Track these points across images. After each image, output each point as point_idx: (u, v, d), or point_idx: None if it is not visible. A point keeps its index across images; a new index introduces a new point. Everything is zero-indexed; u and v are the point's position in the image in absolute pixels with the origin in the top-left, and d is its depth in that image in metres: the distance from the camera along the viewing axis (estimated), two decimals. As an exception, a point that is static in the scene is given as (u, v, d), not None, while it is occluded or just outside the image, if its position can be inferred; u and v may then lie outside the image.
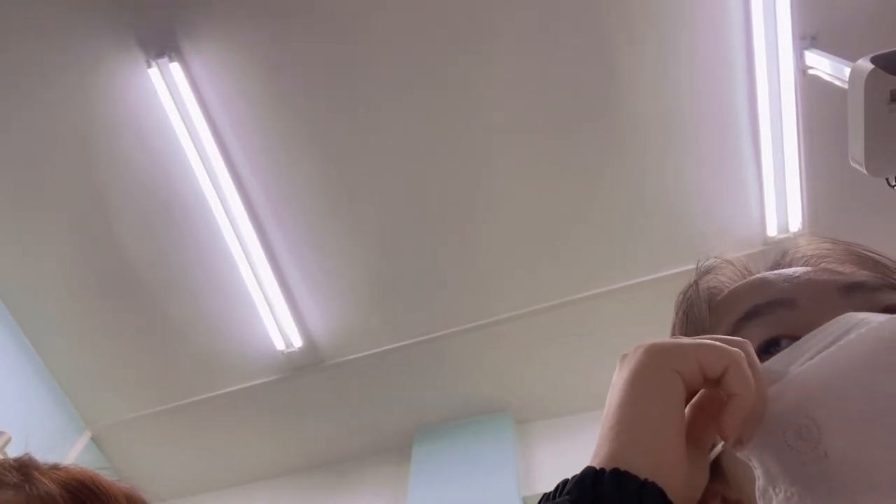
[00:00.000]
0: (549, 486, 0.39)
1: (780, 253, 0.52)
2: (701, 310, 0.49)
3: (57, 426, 2.21)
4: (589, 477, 0.36)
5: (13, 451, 1.89)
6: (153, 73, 1.72)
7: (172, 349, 2.15)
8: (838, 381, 0.35)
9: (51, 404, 2.20)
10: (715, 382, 0.37)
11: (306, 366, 2.16)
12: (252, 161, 1.85)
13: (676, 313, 0.52)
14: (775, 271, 0.48)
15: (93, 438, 2.34)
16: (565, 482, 0.37)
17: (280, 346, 2.10)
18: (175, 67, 1.72)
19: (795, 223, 1.85)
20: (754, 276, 0.49)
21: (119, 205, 1.92)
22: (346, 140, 1.83)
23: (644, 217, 1.90)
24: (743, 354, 0.37)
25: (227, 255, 1.95)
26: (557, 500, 0.36)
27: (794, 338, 0.39)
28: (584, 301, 1.98)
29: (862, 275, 0.45)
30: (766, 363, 0.39)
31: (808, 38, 1.61)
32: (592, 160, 1.85)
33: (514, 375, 2.17)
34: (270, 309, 2.02)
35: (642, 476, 0.35)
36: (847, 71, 1.17)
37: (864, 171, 1.14)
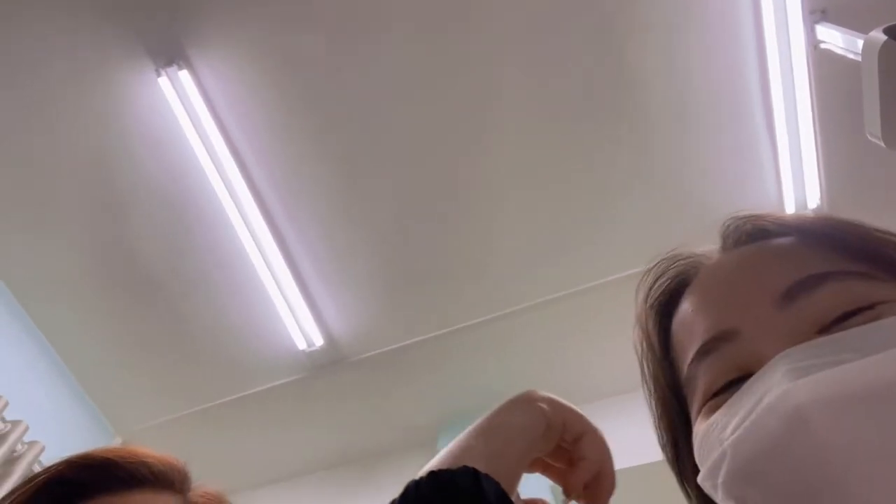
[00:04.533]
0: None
1: (732, 229, 0.49)
2: (652, 341, 0.50)
3: (88, 434, 2.26)
4: (412, 487, 0.41)
5: (47, 461, 1.93)
6: (163, 81, 1.74)
7: (195, 354, 2.19)
8: (752, 465, 0.36)
9: (80, 413, 2.25)
10: (569, 448, 0.47)
11: (329, 364, 2.18)
12: (264, 163, 1.86)
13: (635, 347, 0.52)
14: (714, 275, 0.46)
15: (123, 444, 2.38)
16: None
17: (302, 345, 2.13)
18: (184, 75, 1.74)
19: (814, 199, 1.83)
20: (700, 276, 0.47)
21: (136, 214, 1.94)
22: (356, 137, 1.84)
23: (659, 200, 1.88)
24: (598, 430, 0.48)
25: (245, 258, 1.97)
26: None
27: (747, 374, 0.39)
28: (605, 287, 1.97)
29: (808, 268, 0.41)
30: (710, 422, 0.40)
31: (818, 12, 1.59)
32: (606, 144, 1.84)
33: (536, 365, 2.18)
34: (290, 309, 2.04)
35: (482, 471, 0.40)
36: (860, 43, 1.15)
37: (882, 143, 1.12)
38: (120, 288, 2.07)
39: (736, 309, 0.42)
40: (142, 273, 2.03)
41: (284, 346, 2.14)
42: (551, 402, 0.47)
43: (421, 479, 0.39)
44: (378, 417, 2.31)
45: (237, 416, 2.31)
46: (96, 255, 2.01)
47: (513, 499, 0.42)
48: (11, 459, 1.83)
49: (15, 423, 1.85)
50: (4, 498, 0.52)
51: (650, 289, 0.51)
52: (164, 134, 1.82)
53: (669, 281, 0.50)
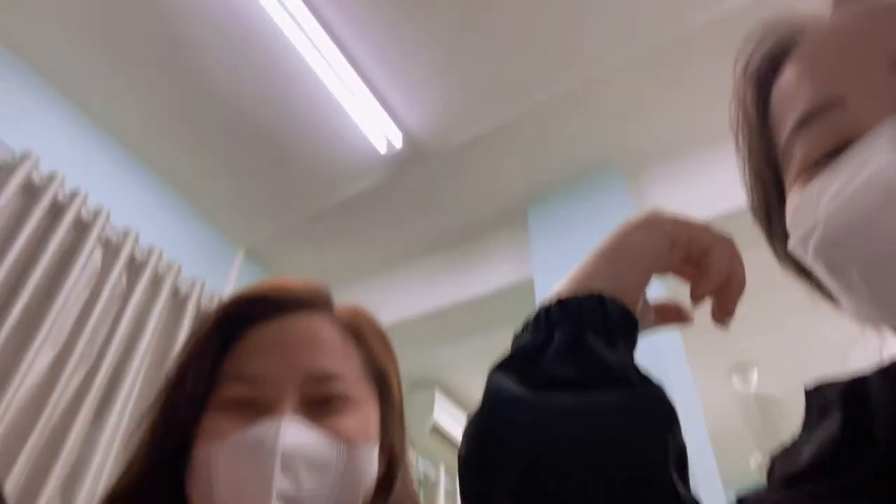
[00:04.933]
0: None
1: None
2: (749, 111, 0.48)
3: (213, 250, 2.51)
4: (542, 314, 0.41)
5: (185, 279, 2.20)
6: None
7: (288, 169, 2.29)
8: (845, 236, 0.36)
9: (201, 231, 2.48)
10: (698, 260, 0.45)
11: (412, 159, 2.23)
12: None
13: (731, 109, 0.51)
14: (821, 40, 0.42)
15: (247, 253, 2.65)
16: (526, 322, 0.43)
17: (382, 148, 2.17)
18: None
19: None
20: (805, 43, 0.43)
21: (197, 38, 1.93)
22: None
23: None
24: (728, 240, 0.45)
25: (312, 72, 1.95)
26: (522, 338, 0.41)
27: (848, 143, 0.37)
28: (682, 40, 1.82)
29: None
30: (805, 191, 0.40)
31: None
32: None
33: (618, 128, 2.13)
34: (365, 114, 2.06)
35: (607, 295, 0.40)
36: None
37: None
38: (205, 115, 2.13)
39: (843, 75, 0.39)
40: (217, 100, 2.07)
41: (366, 150, 2.20)
42: (675, 220, 0.46)
43: (549, 305, 0.40)
44: (468, 202, 2.40)
45: (334, 220, 2.48)
46: (176, 84, 2.05)
47: (638, 308, 0.43)
48: (156, 280, 2.09)
49: (150, 250, 2.08)
50: (191, 332, 0.64)
51: (749, 57, 0.48)
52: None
53: (771, 48, 0.46)
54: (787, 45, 0.45)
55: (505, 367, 0.38)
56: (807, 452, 0.39)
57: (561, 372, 0.36)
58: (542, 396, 0.34)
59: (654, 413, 0.34)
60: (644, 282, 0.43)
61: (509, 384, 0.36)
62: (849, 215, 0.36)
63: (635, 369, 0.36)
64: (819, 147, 0.40)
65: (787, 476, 0.39)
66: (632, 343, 0.40)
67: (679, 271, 0.48)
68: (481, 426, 0.36)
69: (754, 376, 2.97)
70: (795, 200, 0.42)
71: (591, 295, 0.39)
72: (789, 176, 0.44)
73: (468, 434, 0.36)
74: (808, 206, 0.40)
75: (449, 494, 3.36)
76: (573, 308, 0.39)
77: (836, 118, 0.39)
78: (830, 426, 0.39)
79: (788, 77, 0.44)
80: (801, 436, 0.42)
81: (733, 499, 0.40)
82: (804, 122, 0.41)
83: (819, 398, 0.42)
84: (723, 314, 0.46)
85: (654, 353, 1.70)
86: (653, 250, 0.44)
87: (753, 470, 2.70)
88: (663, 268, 0.46)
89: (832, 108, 0.40)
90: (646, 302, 0.50)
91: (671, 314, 0.53)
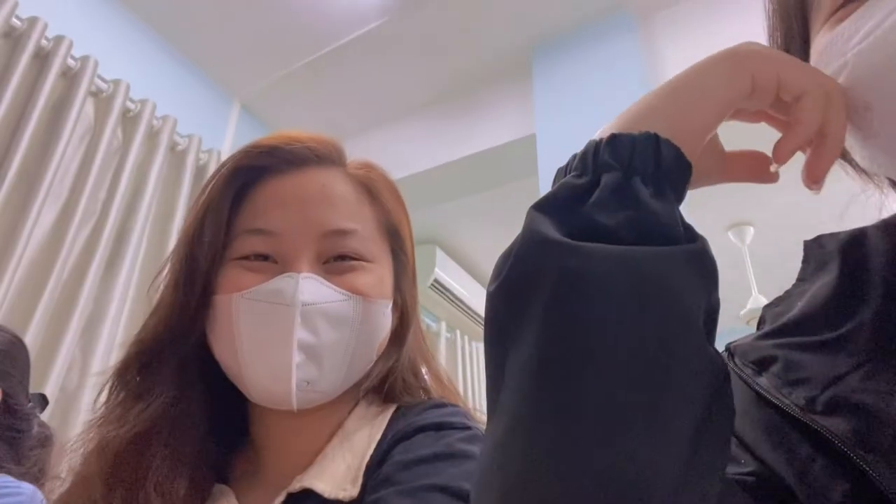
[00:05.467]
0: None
1: None
2: None
3: (207, 102, 2.44)
4: (591, 149, 0.37)
5: (182, 133, 2.16)
6: None
7: (282, 15, 2.17)
8: (874, 77, 0.35)
9: (194, 83, 2.39)
10: (789, 105, 0.37)
11: (411, 4, 2.10)
12: None
13: None
14: None
15: (243, 107, 2.58)
16: (574, 156, 0.39)
17: (380, -14, 2.04)
18: None
19: None
20: None
21: None
22: None
23: None
24: (825, 87, 0.36)
25: None
26: (566, 178, 0.37)
27: None
28: None
29: None
30: (835, 31, 0.38)
31: None
32: None
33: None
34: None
35: (663, 135, 0.36)
36: None
37: None
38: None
39: None
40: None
41: (363, -12, 2.06)
42: (765, 55, 0.38)
43: (601, 140, 0.37)
44: (471, 47, 2.29)
45: (332, 69, 2.38)
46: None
47: (700, 152, 0.38)
48: (152, 134, 2.05)
49: (143, 102, 2.02)
50: (205, 185, 0.63)
51: None
52: None
53: None
54: None
55: (544, 207, 0.36)
56: (800, 303, 0.40)
57: (604, 219, 0.34)
58: (581, 246, 0.32)
59: (697, 270, 0.33)
60: (710, 124, 0.38)
61: (546, 227, 0.34)
62: (880, 56, 0.35)
63: (680, 223, 0.35)
64: None
65: (777, 327, 0.40)
66: (681, 192, 0.37)
67: (767, 117, 0.42)
68: (512, 268, 0.34)
69: (750, 234, 3.01)
70: (823, 41, 0.40)
71: (646, 135, 0.36)
72: (818, 19, 0.42)
73: (498, 272, 0.35)
74: (837, 46, 0.38)
75: (450, 346, 3.55)
76: (625, 147, 0.36)
77: None
78: (827, 279, 0.39)
79: None
80: (795, 287, 0.43)
81: (723, 348, 0.41)
82: None
83: (818, 250, 0.42)
84: (810, 176, 0.38)
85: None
86: (727, 89, 0.37)
87: (744, 320, 2.82)
88: (741, 111, 0.40)
89: None
90: (718, 146, 0.44)
91: (753, 168, 0.44)
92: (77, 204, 1.74)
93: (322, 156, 0.63)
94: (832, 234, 0.42)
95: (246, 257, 0.59)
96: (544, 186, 2.00)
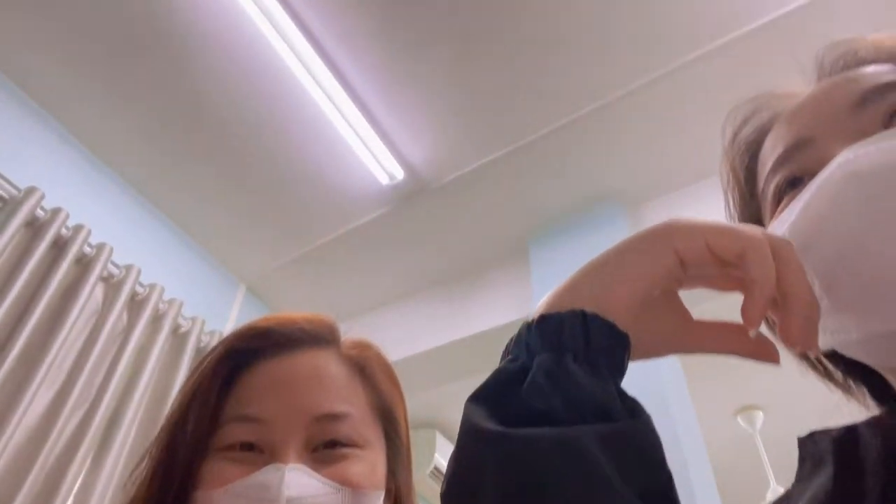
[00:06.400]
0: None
1: (832, 56, 0.50)
2: (739, 176, 0.52)
3: (214, 285, 2.50)
4: (523, 330, 0.39)
5: (188, 314, 2.19)
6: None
7: (289, 203, 2.31)
8: (810, 235, 0.39)
9: (203, 267, 2.47)
10: (735, 267, 0.38)
11: (413, 193, 2.25)
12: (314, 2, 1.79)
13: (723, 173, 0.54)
14: (799, 103, 0.47)
15: (248, 289, 2.64)
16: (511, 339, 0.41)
17: (384, 179, 2.19)
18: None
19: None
20: (786, 111, 0.48)
21: (203, 71, 1.96)
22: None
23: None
24: (765, 240, 0.36)
25: (314, 106, 1.98)
26: (501, 364, 0.39)
27: (813, 174, 0.41)
28: (680, 70, 1.85)
29: (879, 75, 0.42)
30: (776, 218, 0.43)
31: None
32: None
33: (617, 160, 2.14)
34: (366, 146, 2.08)
35: (590, 311, 0.36)
36: None
37: None
38: (209, 147, 2.16)
39: (814, 120, 0.44)
40: (221, 134, 2.10)
41: (368, 182, 2.22)
42: (689, 226, 0.37)
43: (531, 322, 0.38)
44: (469, 236, 2.41)
45: (340, 253, 2.48)
46: (179, 124, 2.08)
47: (633, 320, 0.38)
48: (157, 317, 2.08)
49: (152, 286, 2.07)
50: (195, 368, 0.63)
51: (737, 130, 0.53)
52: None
53: (762, 123, 0.51)
54: (771, 121, 0.50)
55: (479, 398, 0.37)
56: None
57: (539, 403, 0.34)
58: (515, 432, 0.32)
59: (637, 445, 0.33)
60: (636, 300, 0.37)
61: (481, 417, 0.34)
62: (806, 221, 0.39)
63: (617, 399, 0.34)
64: (787, 178, 0.45)
65: None
66: (619, 364, 0.36)
67: (721, 285, 0.40)
68: (454, 464, 0.34)
69: (760, 419, 2.92)
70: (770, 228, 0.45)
71: (573, 312, 0.36)
72: (768, 218, 0.47)
73: (447, 471, 0.35)
74: (776, 227, 0.42)
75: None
76: (553, 326, 0.36)
77: (807, 155, 0.43)
78: (823, 480, 0.39)
79: (771, 135, 0.48)
80: (794, 487, 0.42)
81: None
82: (780, 162, 0.45)
83: (812, 448, 0.42)
84: (787, 337, 0.35)
85: (659, 395, 1.68)
86: (650, 266, 0.37)
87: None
88: (672, 282, 0.39)
89: (804, 146, 0.44)
90: (678, 313, 0.42)
91: (729, 339, 0.41)
92: (72, 389, 1.71)
93: (315, 336, 0.63)
94: (825, 431, 0.41)
95: (231, 447, 0.56)
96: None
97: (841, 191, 0.37)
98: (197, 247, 2.46)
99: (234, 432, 0.57)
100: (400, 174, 2.17)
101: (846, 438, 0.39)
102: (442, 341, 2.40)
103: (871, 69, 0.45)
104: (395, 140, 2.10)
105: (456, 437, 0.37)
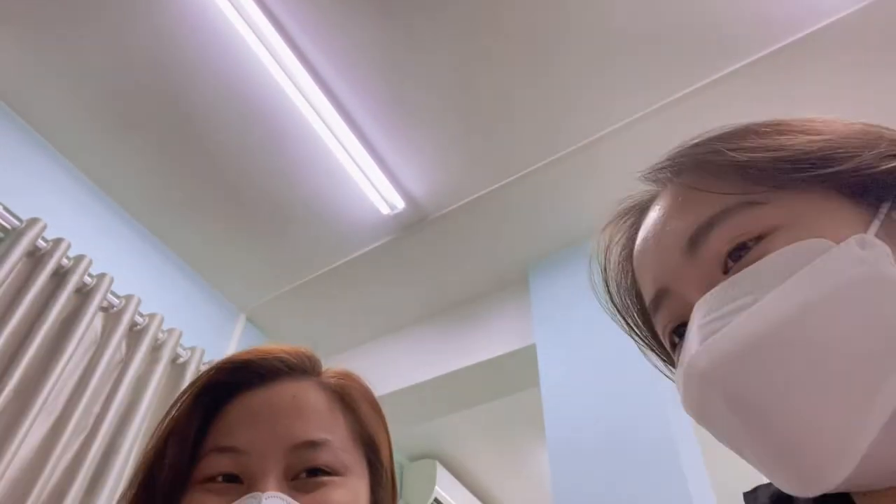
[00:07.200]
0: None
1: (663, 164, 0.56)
2: (622, 286, 0.59)
3: (214, 315, 2.50)
4: None
5: (187, 343, 2.18)
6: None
7: (290, 232, 2.32)
8: (694, 413, 0.43)
9: (203, 296, 2.47)
10: None
11: (413, 223, 2.26)
12: (312, 32, 1.82)
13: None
14: (643, 232, 0.52)
15: (248, 319, 2.64)
16: None
17: (384, 210, 2.20)
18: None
19: None
20: (635, 250, 0.54)
21: (203, 103, 1.99)
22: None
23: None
24: None
25: (314, 136, 2.00)
26: None
27: (684, 323, 0.45)
28: (675, 104, 1.88)
29: (700, 214, 0.45)
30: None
31: None
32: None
33: (618, 191, 2.15)
34: (366, 177, 2.10)
35: None
36: None
37: None
38: (214, 185, 2.18)
39: (660, 271, 0.48)
40: (221, 169, 2.12)
41: (369, 213, 2.23)
42: None
43: None
44: (470, 266, 2.41)
45: (340, 283, 2.48)
46: (179, 155, 2.10)
47: None
48: (156, 347, 2.08)
49: (151, 316, 2.07)
50: (175, 402, 0.62)
51: (608, 244, 0.62)
52: (208, 20, 1.81)
53: (625, 234, 0.60)
54: (636, 227, 0.57)
55: None
56: None
57: None
58: None
59: None
60: None
61: None
62: (686, 402, 0.43)
63: None
64: (669, 327, 0.48)
65: None
66: None
67: None
68: None
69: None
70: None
71: None
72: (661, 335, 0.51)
73: None
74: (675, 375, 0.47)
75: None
76: None
77: (671, 304, 0.47)
78: None
79: (635, 262, 0.53)
80: None
81: None
82: (654, 308, 0.49)
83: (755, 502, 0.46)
84: None
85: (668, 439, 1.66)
86: None
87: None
88: None
89: (665, 296, 0.48)
90: None
91: None
92: (69, 419, 1.70)
93: (293, 367, 0.63)
94: (767, 486, 0.45)
95: (212, 478, 0.56)
96: (546, 396, 1.98)
97: (703, 396, 0.40)
98: (197, 277, 2.47)
99: (214, 464, 0.56)
100: (400, 204, 2.18)
101: (784, 496, 0.42)
102: (443, 371, 2.38)
103: (692, 200, 0.47)
104: (395, 170, 2.11)
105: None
